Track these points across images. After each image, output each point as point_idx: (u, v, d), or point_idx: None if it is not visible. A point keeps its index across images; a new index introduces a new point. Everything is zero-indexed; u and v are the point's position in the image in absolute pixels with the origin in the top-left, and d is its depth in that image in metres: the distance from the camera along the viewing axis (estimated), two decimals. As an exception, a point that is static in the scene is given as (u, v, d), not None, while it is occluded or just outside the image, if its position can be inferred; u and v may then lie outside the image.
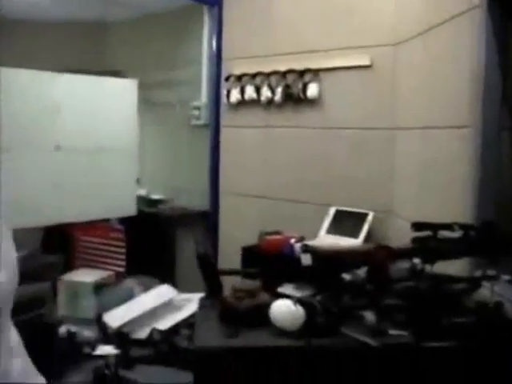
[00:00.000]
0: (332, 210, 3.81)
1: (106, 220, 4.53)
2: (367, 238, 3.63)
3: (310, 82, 4.04)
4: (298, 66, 4.09)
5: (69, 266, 4.48)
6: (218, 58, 4.75)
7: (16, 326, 3.32)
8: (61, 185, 3.87)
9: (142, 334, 3.80)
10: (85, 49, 5.58)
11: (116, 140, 4.23)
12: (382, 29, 3.69)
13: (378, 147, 3.73)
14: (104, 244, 4.59)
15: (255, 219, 4.41)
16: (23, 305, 3.58)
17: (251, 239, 3.97)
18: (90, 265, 4.59)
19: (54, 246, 4.42)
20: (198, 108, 4.94)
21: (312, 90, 4.02)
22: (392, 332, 2.24)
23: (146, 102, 4.71)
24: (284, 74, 4.18)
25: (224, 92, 4.61)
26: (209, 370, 2.17)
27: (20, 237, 3.98)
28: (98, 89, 4.14)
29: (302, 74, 4.08)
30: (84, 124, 4.01)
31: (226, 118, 4.69)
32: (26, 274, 3.70)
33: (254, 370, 2.16)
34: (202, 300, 2.76)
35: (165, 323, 3.87)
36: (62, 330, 3.83)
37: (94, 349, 3.71)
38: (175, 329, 3.84)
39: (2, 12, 4.91)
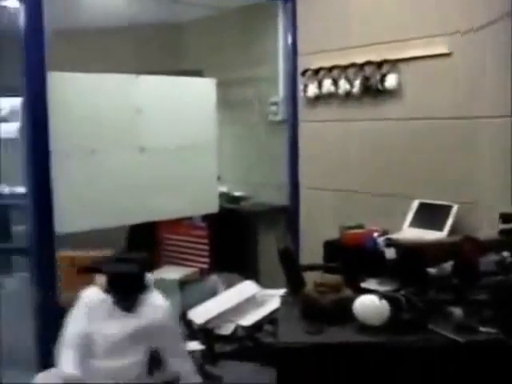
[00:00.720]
0: (415, 203, 3.72)
1: (190, 218, 4.61)
2: (452, 231, 3.52)
3: (388, 72, 3.96)
4: (376, 57, 4.02)
5: (155, 264, 4.61)
6: (293, 53, 4.73)
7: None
8: (145, 184, 3.97)
9: (227, 329, 3.85)
10: (162, 50, 5.69)
11: (196, 139, 4.30)
12: (461, 16, 3.56)
13: (460, 137, 3.61)
14: (188, 241, 4.68)
15: (336, 213, 4.37)
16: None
17: (332, 234, 3.94)
18: (175, 262, 4.70)
19: (139, 245, 4.56)
20: (276, 104, 4.94)
21: (390, 81, 3.93)
22: (481, 329, 2.16)
23: (225, 100, 4.76)
24: (362, 66, 4.12)
25: (301, 87, 4.59)
26: (292, 367, 2.17)
27: (110, 236, 4.13)
28: (178, 89, 4.22)
29: (379, 65, 4.00)
30: (165, 124, 4.09)
31: (303, 112, 4.67)
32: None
33: (337, 366, 2.14)
34: (284, 296, 2.75)
35: (248, 319, 3.91)
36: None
37: (180, 344, 3.81)
38: (258, 325, 3.88)
39: (84, 23, 5.09)
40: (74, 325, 2.79)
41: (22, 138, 3.57)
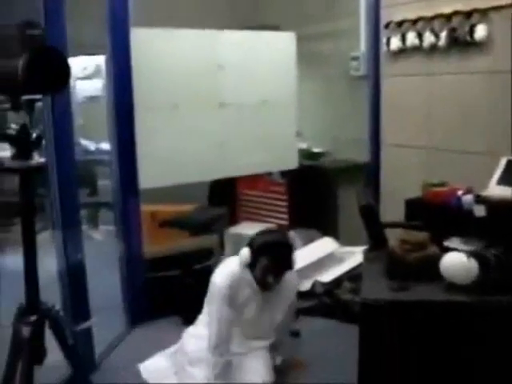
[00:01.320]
0: (503, 161, 3.57)
1: (269, 174, 4.62)
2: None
3: (477, 23, 3.76)
4: (464, 6, 3.82)
5: (234, 220, 4.67)
6: (376, 5, 4.58)
7: (186, 275, 3.50)
8: (225, 140, 3.99)
9: (305, 286, 3.88)
10: (240, 5, 5.62)
11: (276, 94, 4.27)
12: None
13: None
14: (266, 197, 4.71)
15: (418, 171, 4.25)
16: (194, 256, 3.80)
17: (414, 192, 3.85)
18: (254, 218, 4.75)
19: (219, 200, 4.62)
20: (357, 58, 4.81)
21: (480, 32, 3.74)
22: None
23: (304, 54, 4.67)
24: (448, 17, 3.93)
25: (383, 40, 4.45)
26: (375, 324, 2.14)
27: (189, 192, 4.19)
28: (258, 44, 4.19)
29: (468, 15, 3.81)
30: (246, 80, 4.08)
31: (385, 67, 4.52)
32: (197, 227, 3.89)
33: (422, 324, 2.11)
34: (366, 253, 2.71)
35: (327, 276, 3.92)
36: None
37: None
38: (337, 282, 3.88)
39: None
40: (220, 325, 2.64)
41: (106, 96, 3.64)
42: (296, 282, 2.94)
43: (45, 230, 3.24)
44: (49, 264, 2.84)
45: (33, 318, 1.54)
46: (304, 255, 4.00)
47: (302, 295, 3.77)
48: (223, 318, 2.63)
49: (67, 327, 1.88)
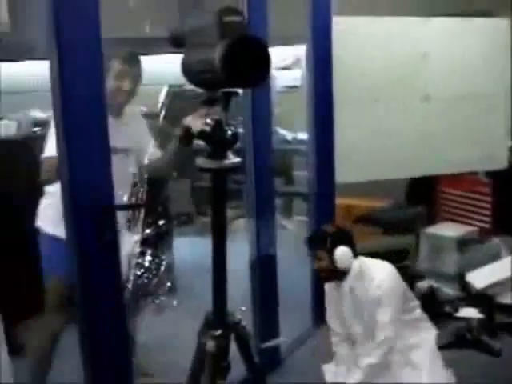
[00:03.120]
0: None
1: (474, 173, 4.30)
2: None
3: None
4: None
5: (432, 219, 4.41)
6: None
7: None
8: (428, 136, 3.75)
9: (509, 298, 3.54)
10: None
11: (486, 87, 3.92)
12: None
13: None
14: (469, 198, 4.38)
15: None
16: (387, 255, 3.64)
17: None
18: (454, 219, 4.45)
19: (418, 198, 4.39)
20: None
21: None
22: None
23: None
24: None
25: None
26: None
27: (386, 187, 4.04)
28: (467, 31, 3.87)
29: None
30: (453, 70, 3.80)
31: None
32: (392, 225, 3.74)
33: None
34: None
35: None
36: (423, 284, 3.79)
37: (456, 309, 3.58)
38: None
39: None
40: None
41: (305, 85, 3.60)
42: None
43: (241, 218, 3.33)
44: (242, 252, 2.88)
45: (218, 331, 1.47)
46: (509, 265, 3.67)
47: (505, 309, 3.45)
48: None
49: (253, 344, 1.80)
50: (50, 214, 2.36)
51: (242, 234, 3.12)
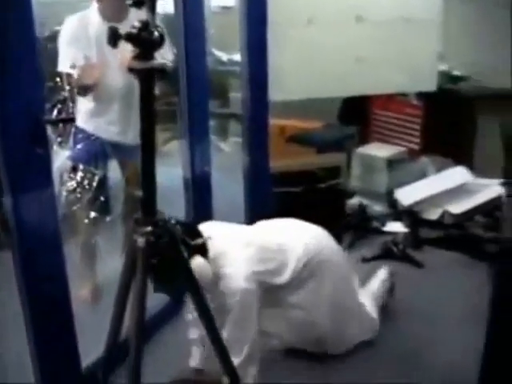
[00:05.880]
0: None
1: (404, 95, 4.39)
2: None
3: None
4: None
5: (364, 140, 4.52)
6: None
7: (314, 192, 3.45)
8: (361, 57, 3.79)
9: (433, 214, 3.71)
10: None
11: (418, 11, 3.95)
12: None
13: None
14: (400, 119, 4.49)
15: None
16: (322, 172, 3.74)
17: None
18: (385, 139, 4.56)
19: (350, 120, 4.47)
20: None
21: None
22: None
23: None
24: None
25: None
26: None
27: (320, 109, 4.09)
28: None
29: None
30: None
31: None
32: (325, 144, 3.81)
33: None
34: (509, 186, 2.48)
35: (457, 207, 3.71)
36: (354, 201, 3.94)
37: (383, 224, 3.75)
38: (468, 214, 3.67)
39: None
40: None
41: (239, 7, 3.54)
42: None
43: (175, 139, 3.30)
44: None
45: (148, 228, 1.49)
46: (435, 183, 3.83)
47: (429, 224, 3.63)
48: None
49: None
50: None
51: (176, 158, 3.09)
